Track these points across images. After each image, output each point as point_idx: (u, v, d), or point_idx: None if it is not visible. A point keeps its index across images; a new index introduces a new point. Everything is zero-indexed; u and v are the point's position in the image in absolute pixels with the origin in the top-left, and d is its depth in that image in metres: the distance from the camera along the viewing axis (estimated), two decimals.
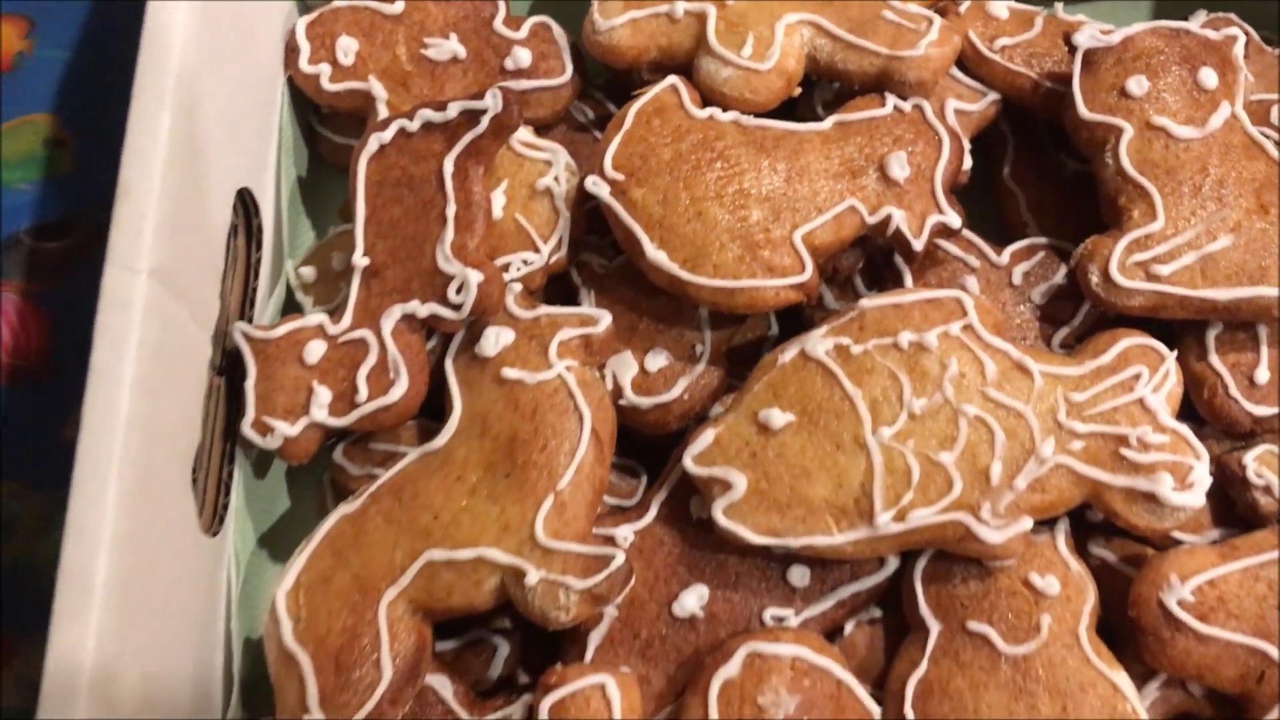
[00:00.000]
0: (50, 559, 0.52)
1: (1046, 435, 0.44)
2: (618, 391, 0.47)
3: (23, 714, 0.50)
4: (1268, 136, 0.48)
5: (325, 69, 0.52)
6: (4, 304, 0.55)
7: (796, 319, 0.50)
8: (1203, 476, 0.43)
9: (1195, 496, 0.43)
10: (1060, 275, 0.49)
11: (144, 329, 0.39)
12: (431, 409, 0.48)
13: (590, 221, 0.50)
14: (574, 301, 0.49)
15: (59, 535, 0.52)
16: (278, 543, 0.50)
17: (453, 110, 0.47)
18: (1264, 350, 0.48)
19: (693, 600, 0.45)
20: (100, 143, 0.57)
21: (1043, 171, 0.53)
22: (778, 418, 0.44)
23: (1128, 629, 0.44)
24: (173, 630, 0.41)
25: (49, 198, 0.57)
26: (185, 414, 0.43)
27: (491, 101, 0.47)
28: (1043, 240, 0.50)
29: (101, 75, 0.58)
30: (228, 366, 0.47)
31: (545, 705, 0.42)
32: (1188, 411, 0.47)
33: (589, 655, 0.44)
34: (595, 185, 0.47)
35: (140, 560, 0.39)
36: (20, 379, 0.54)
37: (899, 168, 0.48)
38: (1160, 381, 0.45)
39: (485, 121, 0.47)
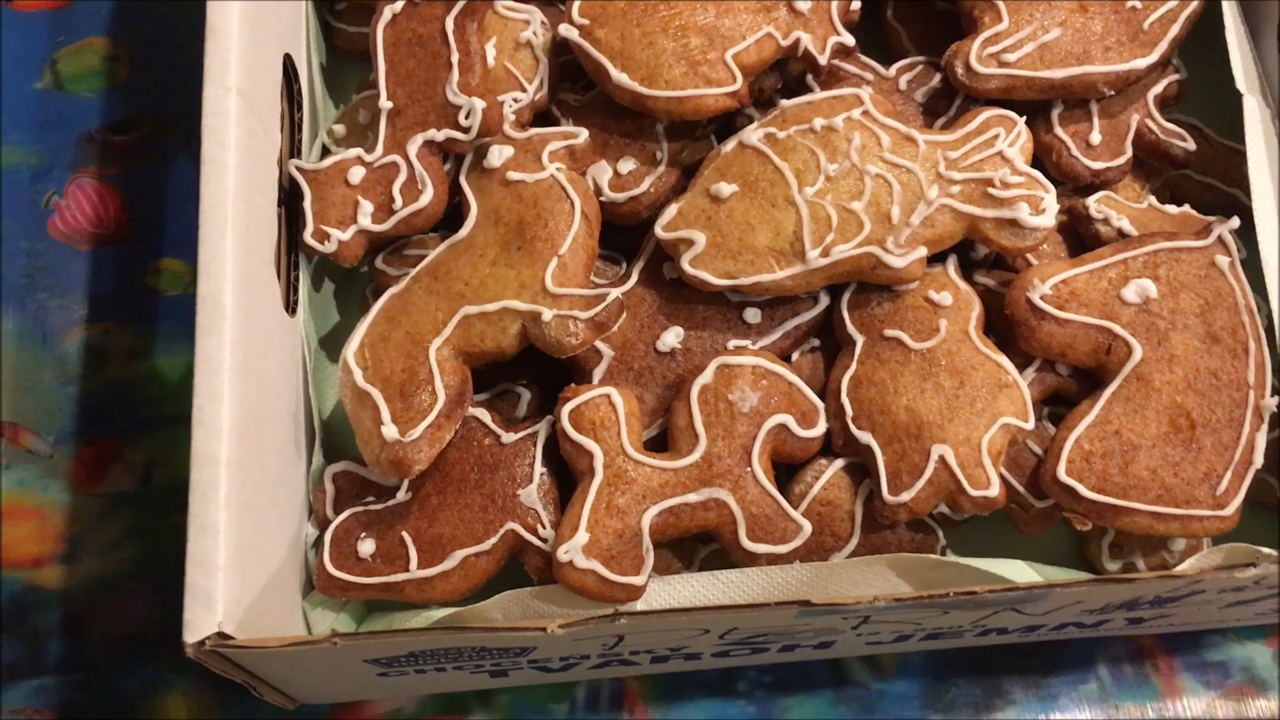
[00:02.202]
0: (137, 381, 0.63)
1: (931, 184, 0.57)
2: (598, 190, 0.59)
3: (136, 495, 0.61)
4: None
5: None
6: (84, 186, 0.67)
7: None
8: (1051, 204, 0.56)
9: (1047, 219, 0.56)
10: (936, 80, 0.63)
11: (238, 130, 0.51)
12: (449, 225, 0.60)
13: (564, 71, 0.63)
14: None
15: (146, 361, 0.64)
16: (331, 345, 0.61)
17: None
18: (1095, 120, 0.61)
19: (672, 338, 0.57)
20: (150, 57, 0.69)
21: (919, 11, 0.66)
22: (725, 189, 0.57)
23: (1007, 331, 0.57)
24: (274, 369, 0.53)
25: (113, 102, 0.68)
26: (268, 205, 0.55)
27: None
28: (921, 58, 0.64)
29: (146, 5, 0.70)
30: (285, 200, 0.59)
31: (564, 412, 0.54)
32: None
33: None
34: (567, 30, 0.60)
35: (250, 297, 0.50)
36: (103, 243, 0.66)
37: (803, 1, 0.61)
38: (1014, 139, 0.58)
39: None
